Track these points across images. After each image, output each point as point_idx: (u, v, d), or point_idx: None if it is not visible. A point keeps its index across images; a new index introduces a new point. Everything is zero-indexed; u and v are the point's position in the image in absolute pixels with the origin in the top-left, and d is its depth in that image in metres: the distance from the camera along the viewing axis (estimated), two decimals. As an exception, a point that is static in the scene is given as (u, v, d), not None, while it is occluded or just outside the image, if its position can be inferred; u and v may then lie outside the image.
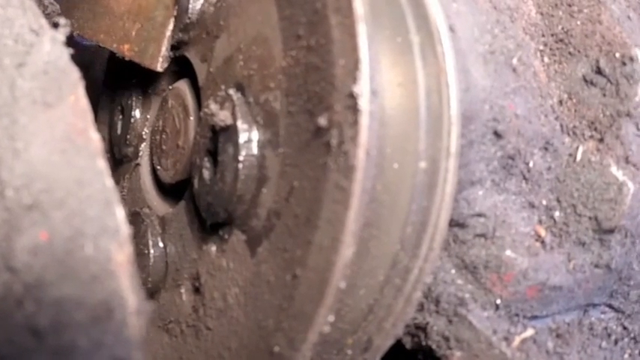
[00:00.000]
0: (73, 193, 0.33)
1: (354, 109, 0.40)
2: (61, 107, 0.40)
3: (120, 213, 0.33)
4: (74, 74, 0.43)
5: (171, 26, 0.64)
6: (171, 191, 0.68)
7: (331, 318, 0.43)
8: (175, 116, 0.65)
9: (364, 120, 0.40)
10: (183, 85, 0.66)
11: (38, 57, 0.43)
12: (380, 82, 0.44)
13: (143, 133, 0.74)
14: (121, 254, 0.31)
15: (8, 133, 0.38)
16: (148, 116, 0.74)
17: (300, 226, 0.44)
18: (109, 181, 0.35)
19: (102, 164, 0.36)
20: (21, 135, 0.38)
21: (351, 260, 0.42)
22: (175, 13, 0.63)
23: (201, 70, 0.61)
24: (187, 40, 0.63)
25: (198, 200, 0.57)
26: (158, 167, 0.68)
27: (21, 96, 0.41)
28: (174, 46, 0.64)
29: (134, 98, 0.74)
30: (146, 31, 0.66)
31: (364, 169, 0.41)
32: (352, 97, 0.40)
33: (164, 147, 0.67)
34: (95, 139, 0.38)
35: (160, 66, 0.65)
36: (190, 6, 0.61)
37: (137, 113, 0.74)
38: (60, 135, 0.38)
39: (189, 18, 0.61)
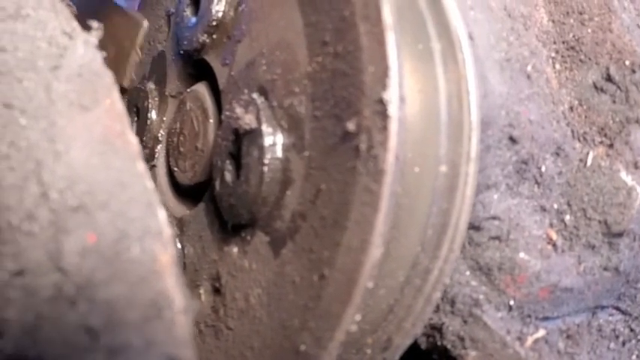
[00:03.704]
0: (116, 195, 0.34)
1: (383, 114, 0.42)
2: (98, 110, 0.41)
3: (162, 214, 0.34)
4: (108, 77, 0.44)
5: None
6: (188, 193, 0.69)
7: (358, 317, 0.44)
8: (194, 118, 0.66)
9: (393, 125, 0.41)
10: (201, 88, 0.67)
11: (72, 60, 0.44)
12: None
13: (159, 134, 0.74)
14: (165, 255, 0.32)
15: (47, 136, 0.39)
16: (164, 118, 0.74)
17: (328, 228, 0.45)
18: (150, 184, 0.36)
19: (141, 166, 0.37)
20: (60, 137, 0.38)
21: (379, 261, 0.43)
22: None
23: (221, 73, 0.62)
24: (209, 43, 0.63)
25: (219, 202, 0.57)
26: (175, 169, 0.69)
27: (57, 98, 0.42)
28: (196, 49, 0.65)
29: (150, 100, 0.75)
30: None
31: (393, 172, 0.42)
32: (382, 103, 0.42)
33: (182, 149, 0.68)
34: (133, 142, 0.39)
35: None
36: (213, 10, 0.62)
37: (153, 115, 0.75)
38: (98, 138, 0.39)
39: (211, 22, 0.62)
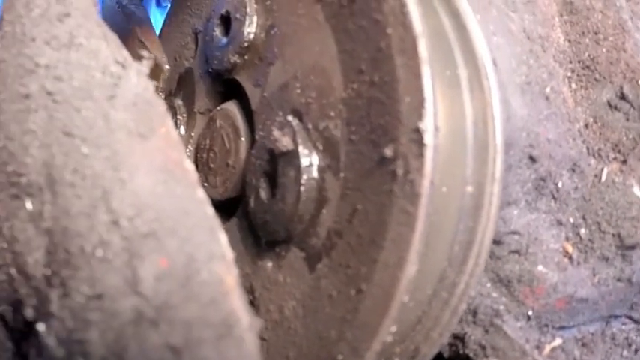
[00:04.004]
0: (181, 222, 0.37)
1: (419, 143, 0.45)
2: (155, 139, 0.44)
3: (223, 238, 0.37)
4: (161, 106, 0.46)
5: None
6: (216, 208, 0.71)
7: (394, 328, 0.47)
8: (225, 136, 0.69)
9: (429, 153, 0.44)
10: (232, 107, 0.70)
11: (127, 89, 0.46)
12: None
13: (187, 150, 0.77)
14: (230, 277, 0.35)
15: (111, 164, 0.41)
16: (192, 134, 0.77)
17: (365, 245, 0.48)
18: (210, 210, 0.39)
19: (201, 194, 0.40)
20: (123, 166, 0.41)
21: (414, 276, 0.46)
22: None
23: (253, 93, 0.65)
24: (240, 64, 0.66)
25: (253, 219, 0.60)
26: (205, 184, 0.71)
27: (116, 127, 0.44)
28: (226, 69, 0.68)
29: (178, 116, 0.78)
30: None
31: (428, 196, 0.45)
32: (418, 132, 0.45)
33: (212, 165, 0.71)
34: (191, 170, 0.41)
35: None
36: (245, 32, 0.64)
37: (181, 130, 0.78)
38: (158, 166, 0.41)
39: (243, 43, 0.65)
